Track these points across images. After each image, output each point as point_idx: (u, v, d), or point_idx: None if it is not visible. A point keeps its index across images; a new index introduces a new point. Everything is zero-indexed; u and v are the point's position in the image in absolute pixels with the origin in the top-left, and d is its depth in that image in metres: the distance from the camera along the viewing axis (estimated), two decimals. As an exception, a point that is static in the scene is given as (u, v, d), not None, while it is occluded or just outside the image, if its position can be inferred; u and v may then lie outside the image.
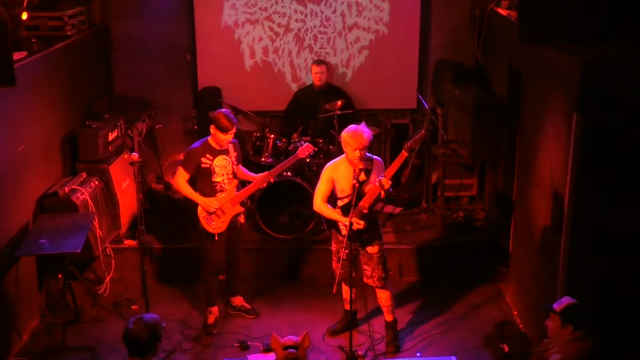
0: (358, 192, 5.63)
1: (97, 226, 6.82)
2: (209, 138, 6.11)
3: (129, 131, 7.92)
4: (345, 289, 6.16)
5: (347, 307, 6.25)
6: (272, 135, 7.60)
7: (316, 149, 6.81)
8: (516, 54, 6.54)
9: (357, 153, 5.61)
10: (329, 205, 5.87)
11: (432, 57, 8.63)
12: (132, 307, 6.82)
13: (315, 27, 8.64)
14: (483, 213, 7.91)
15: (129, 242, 7.34)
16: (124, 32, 8.58)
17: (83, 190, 6.76)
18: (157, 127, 8.52)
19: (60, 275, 6.33)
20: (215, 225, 6.19)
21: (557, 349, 4.57)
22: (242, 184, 6.38)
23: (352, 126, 5.72)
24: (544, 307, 4.72)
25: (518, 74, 6.67)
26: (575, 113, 4.97)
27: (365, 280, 6.05)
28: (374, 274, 5.96)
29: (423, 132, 5.66)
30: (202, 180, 6.15)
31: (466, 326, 6.55)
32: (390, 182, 5.55)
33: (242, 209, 6.32)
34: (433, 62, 8.61)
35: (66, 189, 6.66)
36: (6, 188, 6.04)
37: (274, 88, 8.77)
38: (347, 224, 5.64)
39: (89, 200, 6.76)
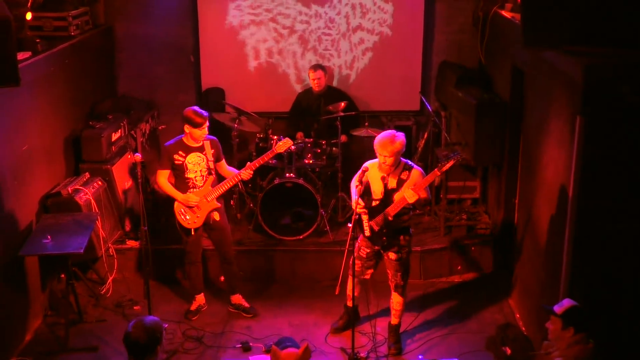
0: (388, 199, 5.70)
1: (100, 226, 6.83)
2: (184, 136, 6.32)
3: (133, 132, 7.92)
4: (349, 285, 6.18)
5: (349, 303, 6.27)
6: (275, 137, 7.58)
7: (294, 147, 6.81)
8: (520, 56, 6.53)
9: (382, 159, 5.66)
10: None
11: (436, 59, 8.63)
12: (135, 307, 6.82)
13: (319, 28, 8.64)
14: (486, 215, 7.90)
15: (131, 243, 7.34)
16: (128, 33, 8.59)
17: (86, 190, 6.77)
18: (160, 127, 8.53)
19: (63, 276, 6.35)
20: (190, 221, 6.37)
21: (559, 352, 4.57)
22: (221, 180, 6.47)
23: (384, 133, 5.72)
24: (545, 309, 4.71)
25: (521, 76, 6.66)
26: (579, 115, 4.96)
27: (389, 282, 6.11)
28: (393, 279, 6.04)
29: (460, 156, 5.69)
30: (175, 177, 6.37)
31: (468, 329, 6.54)
32: (415, 198, 5.56)
33: (218, 205, 6.41)
34: (436, 64, 8.61)
35: (69, 189, 6.67)
36: (10, 188, 6.05)
37: (278, 89, 8.77)
38: (365, 221, 5.75)
39: (92, 201, 6.76)
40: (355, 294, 6.18)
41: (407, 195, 5.57)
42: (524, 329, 6.41)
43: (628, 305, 5.14)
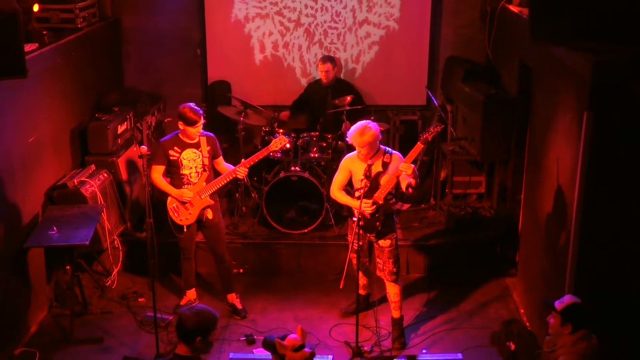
0: (374, 184, 5.76)
1: (105, 218, 6.84)
2: (180, 132, 6.24)
3: (139, 124, 7.94)
4: (359, 274, 6.21)
5: (361, 291, 6.35)
6: (281, 130, 7.59)
7: (289, 146, 6.78)
8: (527, 52, 6.51)
9: (363, 151, 5.72)
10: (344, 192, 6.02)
11: (442, 54, 8.60)
12: (139, 299, 6.85)
13: (325, 22, 8.63)
14: (491, 210, 7.89)
15: (137, 235, 7.35)
16: (135, 26, 8.58)
17: (92, 182, 6.78)
18: (166, 120, 8.53)
19: (68, 267, 6.36)
20: (183, 217, 6.31)
21: (565, 350, 4.57)
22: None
23: (357, 124, 5.79)
24: (546, 304, 4.72)
25: (529, 71, 6.64)
26: (586, 111, 4.94)
27: (377, 273, 6.14)
28: (385, 267, 6.05)
29: (440, 126, 5.74)
30: (171, 173, 6.32)
31: (473, 324, 6.54)
32: (413, 166, 5.61)
33: (212, 203, 6.34)
34: (443, 58, 8.58)
35: (75, 181, 6.69)
36: (16, 179, 6.07)
37: (284, 83, 8.76)
38: (361, 210, 5.75)
39: (98, 193, 6.78)
40: (364, 282, 6.32)
41: (404, 167, 5.60)
42: (528, 324, 6.41)
43: (634, 300, 5.14)
